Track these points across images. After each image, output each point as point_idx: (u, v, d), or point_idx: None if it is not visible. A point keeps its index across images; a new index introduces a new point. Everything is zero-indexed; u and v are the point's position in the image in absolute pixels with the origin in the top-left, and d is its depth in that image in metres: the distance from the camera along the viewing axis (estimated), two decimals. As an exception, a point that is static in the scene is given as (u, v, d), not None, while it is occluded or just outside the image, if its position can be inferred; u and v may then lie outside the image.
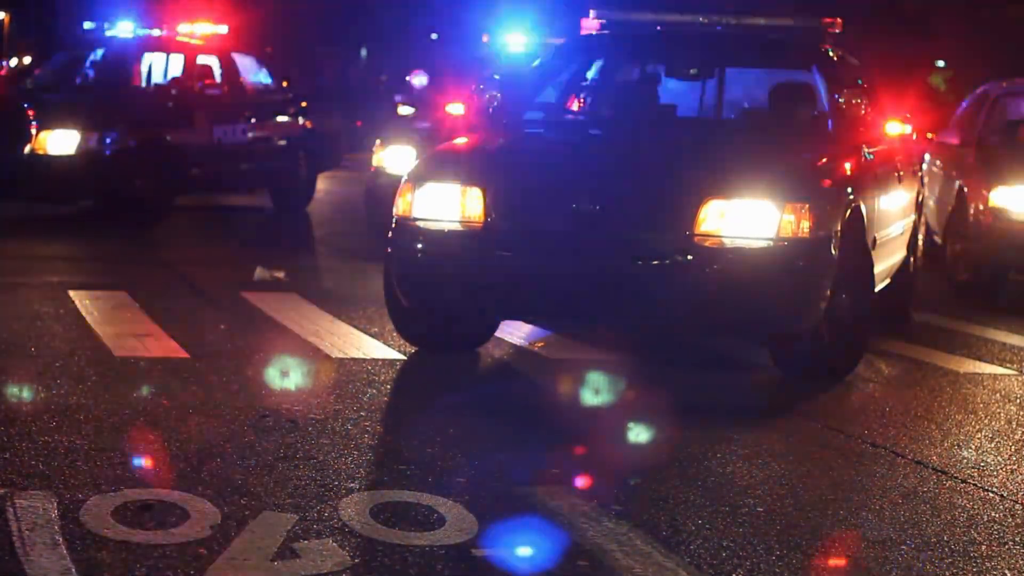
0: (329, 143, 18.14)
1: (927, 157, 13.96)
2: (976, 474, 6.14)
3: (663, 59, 9.62)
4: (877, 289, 8.62)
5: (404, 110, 18.55)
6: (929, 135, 14.24)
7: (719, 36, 9.71)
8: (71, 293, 9.61)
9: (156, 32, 16.75)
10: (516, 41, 17.27)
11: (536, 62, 10.97)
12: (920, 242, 10.91)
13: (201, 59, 16.11)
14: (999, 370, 8.74)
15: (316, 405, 6.73)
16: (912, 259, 10.56)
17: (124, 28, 16.82)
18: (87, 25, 17.77)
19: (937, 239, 13.25)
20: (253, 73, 16.89)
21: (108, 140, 14.17)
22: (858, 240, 7.92)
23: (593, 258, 7.31)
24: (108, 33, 16.97)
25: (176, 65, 15.94)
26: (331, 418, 6.45)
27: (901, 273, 10.12)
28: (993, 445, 6.73)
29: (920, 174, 11.14)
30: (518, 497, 5.37)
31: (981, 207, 12.05)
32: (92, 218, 14.47)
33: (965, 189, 12.44)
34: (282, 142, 16.88)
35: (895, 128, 10.05)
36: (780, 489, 5.73)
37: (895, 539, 5.14)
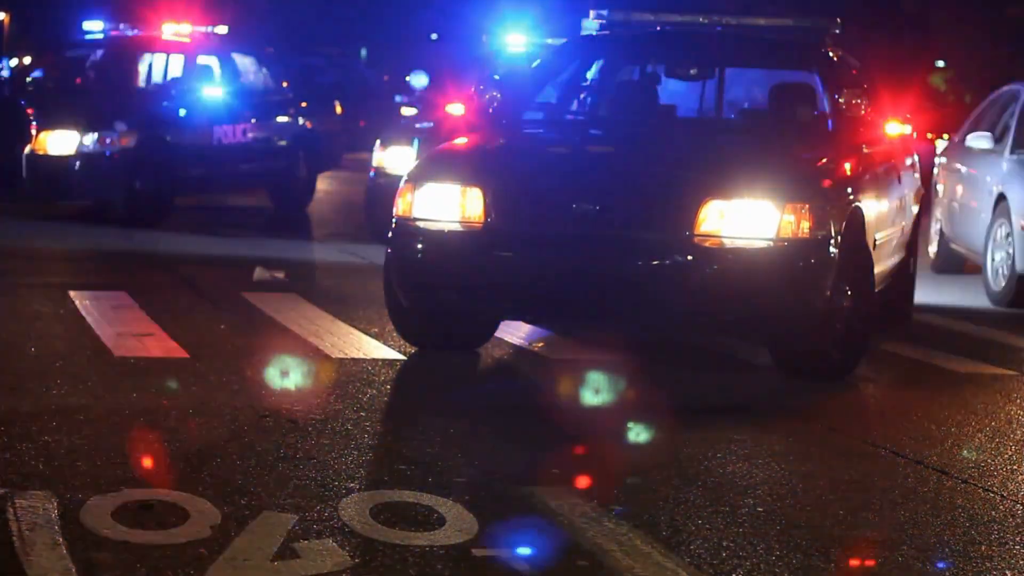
0: (329, 143, 18.12)
1: (944, 160, 13.57)
2: (976, 474, 6.13)
3: (663, 59, 9.62)
4: (877, 290, 8.62)
5: (407, 111, 18.55)
6: (929, 135, 14.09)
7: (719, 36, 9.71)
8: (71, 293, 9.61)
9: (129, 32, 16.65)
10: (516, 41, 17.25)
11: (536, 62, 10.97)
12: (936, 244, 10.62)
13: (201, 59, 16.11)
14: (999, 370, 8.74)
15: (316, 405, 6.73)
16: (912, 260, 10.55)
17: (93, 27, 16.73)
18: (87, 25, 17.75)
19: (957, 248, 12.68)
20: (253, 73, 16.89)
21: (108, 140, 14.17)
22: (858, 241, 7.92)
23: (593, 258, 7.30)
24: (71, 33, 16.92)
25: (176, 65, 15.93)
26: (331, 418, 6.45)
27: (901, 273, 10.12)
28: (993, 445, 6.73)
29: (918, 175, 11.08)
30: (518, 497, 5.37)
31: None
32: (92, 218, 14.47)
33: (1007, 196, 11.85)
34: (282, 142, 16.88)
35: (895, 128, 10.05)
36: (780, 489, 5.72)
37: (895, 539, 5.14)
